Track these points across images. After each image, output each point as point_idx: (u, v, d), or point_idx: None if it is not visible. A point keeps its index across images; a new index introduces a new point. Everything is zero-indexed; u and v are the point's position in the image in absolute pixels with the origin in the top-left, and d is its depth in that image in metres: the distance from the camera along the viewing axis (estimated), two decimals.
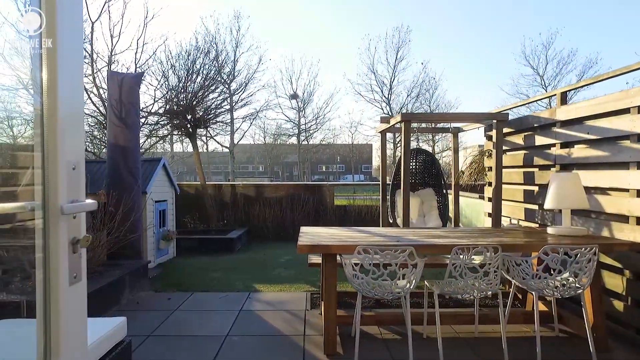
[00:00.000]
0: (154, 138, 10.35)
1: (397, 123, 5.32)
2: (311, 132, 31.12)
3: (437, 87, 28.21)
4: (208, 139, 23.50)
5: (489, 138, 5.57)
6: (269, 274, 5.65)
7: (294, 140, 32.25)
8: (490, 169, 5.45)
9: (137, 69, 8.88)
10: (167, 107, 8.69)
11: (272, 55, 56.08)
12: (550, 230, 3.56)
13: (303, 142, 31.72)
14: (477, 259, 2.94)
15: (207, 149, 29.27)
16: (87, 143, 9.39)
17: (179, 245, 7.13)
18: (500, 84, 51.72)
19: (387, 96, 28.10)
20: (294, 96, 29.38)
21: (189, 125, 8.57)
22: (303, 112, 30.13)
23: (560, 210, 4.04)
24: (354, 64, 61.26)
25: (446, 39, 59.47)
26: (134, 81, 5.41)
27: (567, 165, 4.07)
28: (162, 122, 9.16)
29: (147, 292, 4.71)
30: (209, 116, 8.89)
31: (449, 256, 2.88)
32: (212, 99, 9.52)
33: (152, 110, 8.94)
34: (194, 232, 8.43)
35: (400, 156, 5.19)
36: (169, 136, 13.07)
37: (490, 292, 2.98)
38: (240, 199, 9.19)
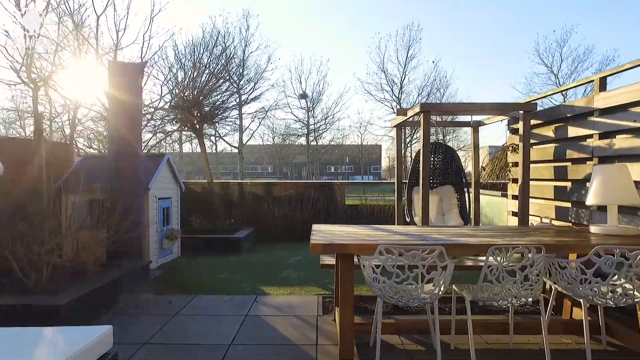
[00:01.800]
0: (160, 134, 10.11)
1: (415, 115, 4.94)
2: (320, 132, 30.72)
3: (448, 86, 27.50)
4: (217, 139, 23.33)
5: (514, 131, 5.17)
6: (277, 276, 5.31)
7: (302, 140, 31.87)
8: (515, 164, 5.05)
9: None
10: (174, 101, 8.42)
11: (281, 54, 55.88)
12: (594, 229, 3.15)
13: (312, 143, 31.35)
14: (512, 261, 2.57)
15: (216, 149, 29.07)
16: (92, 139, 9.19)
17: (183, 245, 6.83)
18: (513, 83, 50.45)
19: (397, 95, 27.62)
20: (303, 96, 29.02)
21: (195, 121, 8.29)
22: (312, 112, 29.73)
23: (599, 207, 3.65)
24: (363, 63, 60.26)
25: (457, 37, 58.70)
26: (136, 70, 5.12)
27: (607, 158, 3.66)
28: (167, 118, 8.90)
29: (146, 295, 4.39)
30: (216, 111, 8.59)
31: (473, 258, 2.51)
32: (219, 94, 9.24)
33: (159, 106, 8.69)
34: (200, 231, 8.12)
35: (419, 150, 4.82)
36: (177, 134, 12.84)
37: (530, 299, 2.60)
38: (248, 197, 8.88)
